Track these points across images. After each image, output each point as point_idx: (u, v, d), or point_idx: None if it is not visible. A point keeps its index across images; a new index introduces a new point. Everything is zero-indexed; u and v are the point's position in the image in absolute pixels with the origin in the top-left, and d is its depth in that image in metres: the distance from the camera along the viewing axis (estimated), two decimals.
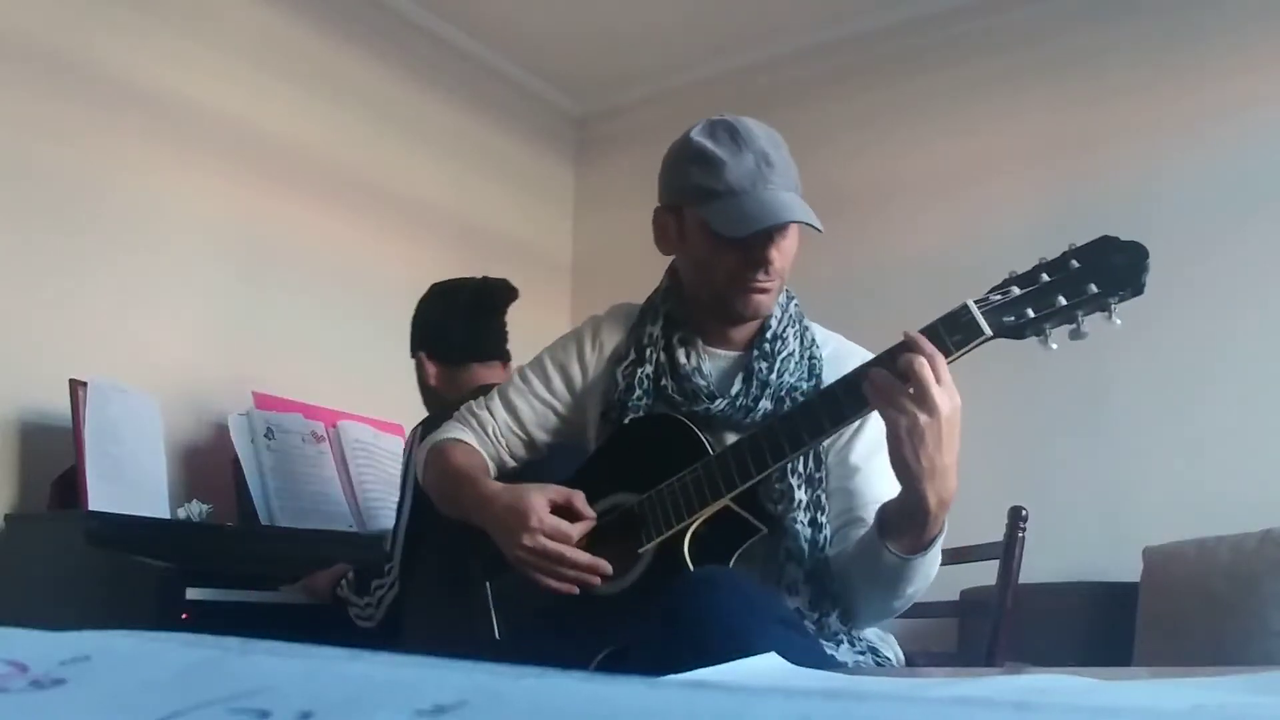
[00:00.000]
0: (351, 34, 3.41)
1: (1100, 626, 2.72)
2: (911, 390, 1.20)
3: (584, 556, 1.39)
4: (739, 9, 3.59)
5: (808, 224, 1.41)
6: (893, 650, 1.48)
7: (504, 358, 2.26)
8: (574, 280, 4.15)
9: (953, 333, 1.25)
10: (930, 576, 1.35)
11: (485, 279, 2.31)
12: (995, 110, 3.44)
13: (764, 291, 1.47)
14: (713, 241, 1.45)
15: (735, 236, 1.42)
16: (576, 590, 1.39)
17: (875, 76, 3.66)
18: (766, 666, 0.72)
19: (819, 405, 1.32)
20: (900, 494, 1.27)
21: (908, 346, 1.24)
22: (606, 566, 1.39)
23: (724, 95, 3.72)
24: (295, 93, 3.22)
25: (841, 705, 0.32)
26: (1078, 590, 2.79)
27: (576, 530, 1.40)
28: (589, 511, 1.43)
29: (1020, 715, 0.32)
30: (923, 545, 1.29)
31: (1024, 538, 1.84)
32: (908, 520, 1.27)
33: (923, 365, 1.20)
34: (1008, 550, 1.83)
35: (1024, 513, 1.84)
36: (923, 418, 1.19)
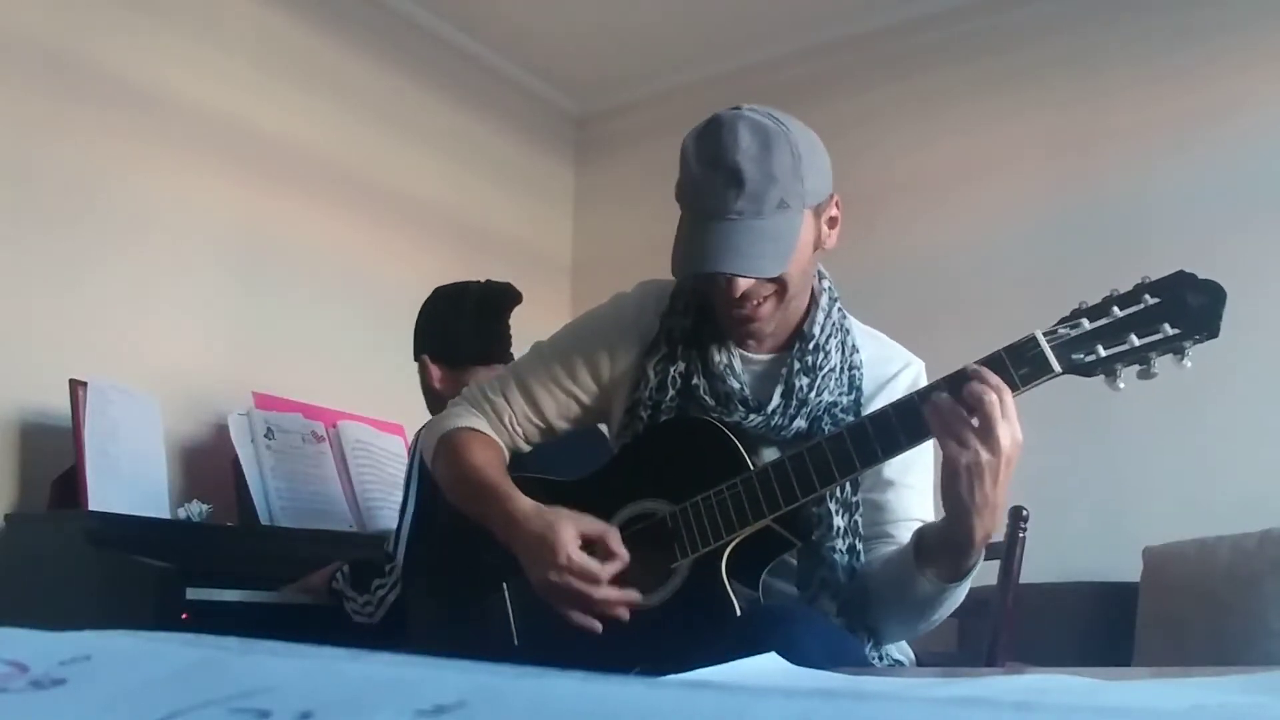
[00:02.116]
0: (351, 34, 3.41)
1: (1100, 626, 2.72)
2: (976, 423, 1.17)
3: (612, 593, 1.32)
4: (739, 9, 3.59)
5: (735, 274, 1.32)
6: (905, 654, 1.48)
7: (507, 360, 2.26)
8: (574, 280, 4.15)
9: (1019, 365, 1.19)
10: (958, 602, 1.34)
11: (489, 282, 2.31)
12: (993, 110, 3.44)
13: (748, 321, 1.39)
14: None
15: (673, 273, 1.37)
16: (599, 627, 1.33)
17: (875, 76, 3.66)
18: (766, 666, 0.72)
19: (871, 431, 1.26)
20: (944, 523, 1.25)
21: (972, 377, 1.19)
22: (636, 596, 1.33)
23: (724, 95, 3.69)
24: (295, 92, 3.22)
25: (841, 705, 0.32)
26: (1078, 590, 2.79)
27: (606, 572, 1.32)
28: (623, 551, 1.34)
29: (1020, 715, 0.32)
30: (960, 574, 1.28)
31: (1024, 538, 1.84)
32: (949, 550, 1.26)
33: (992, 400, 1.16)
34: (1008, 550, 1.83)
35: (1024, 513, 1.84)
36: (984, 454, 1.16)
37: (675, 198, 1.39)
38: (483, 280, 2.32)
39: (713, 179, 1.32)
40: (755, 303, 1.37)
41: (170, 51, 2.91)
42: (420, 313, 2.31)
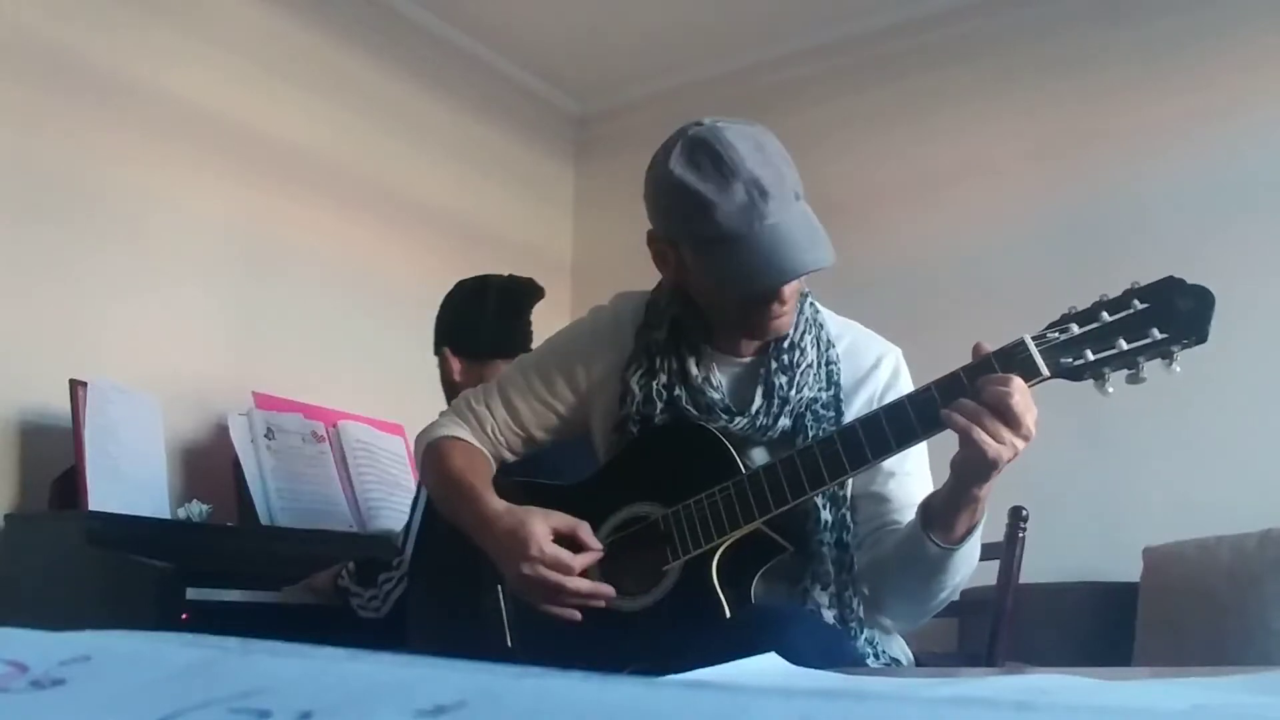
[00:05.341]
0: (352, 34, 3.41)
1: (1100, 626, 2.72)
2: (1004, 419, 1.18)
3: (584, 584, 1.34)
4: (739, 9, 3.59)
5: (819, 269, 1.32)
6: (904, 654, 1.49)
7: None
8: (574, 280, 4.14)
9: (1008, 369, 1.20)
10: (962, 575, 1.35)
11: (512, 276, 2.30)
12: (988, 112, 3.44)
13: (781, 317, 1.40)
14: (720, 286, 1.38)
15: (744, 296, 1.37)
16: (579, 617, 1.35)
17: (874, 76, 3.66)
18: (766, 666, 0.72)
19: (862, 434, 1.28)
20: (953, 488, 1.26)
21: (979, 380, 1.20)
22: (609, 590, 1.35)
23: (724, 95, 3.72)
24: (295, 92, 3.22)
25: (841, 705, 0.32)
26: (1078, 590, 2.79)
27: (579, 563, 1.35)
28: (594, 543, 1.37)
29: (1020, 715, 0.32)
30: (965, 534, 1.29)
31: (1024, 538, 1.84)
32: (957, 510, 1.27)
33: (1015, 399, 1.17)
34: (1008, 550, 1.83)
35: (1024, 513, 1.84)
36: (1019, 443, 1.19)
37: (677, 235, 1.38)
38: (506, 274, 2.31)
39: (735, 191, 1.30)
40: (790, 302, 1.39)
41: (172, 50, 2.91)
42: (442, 306, 2.29)
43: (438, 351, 2.26)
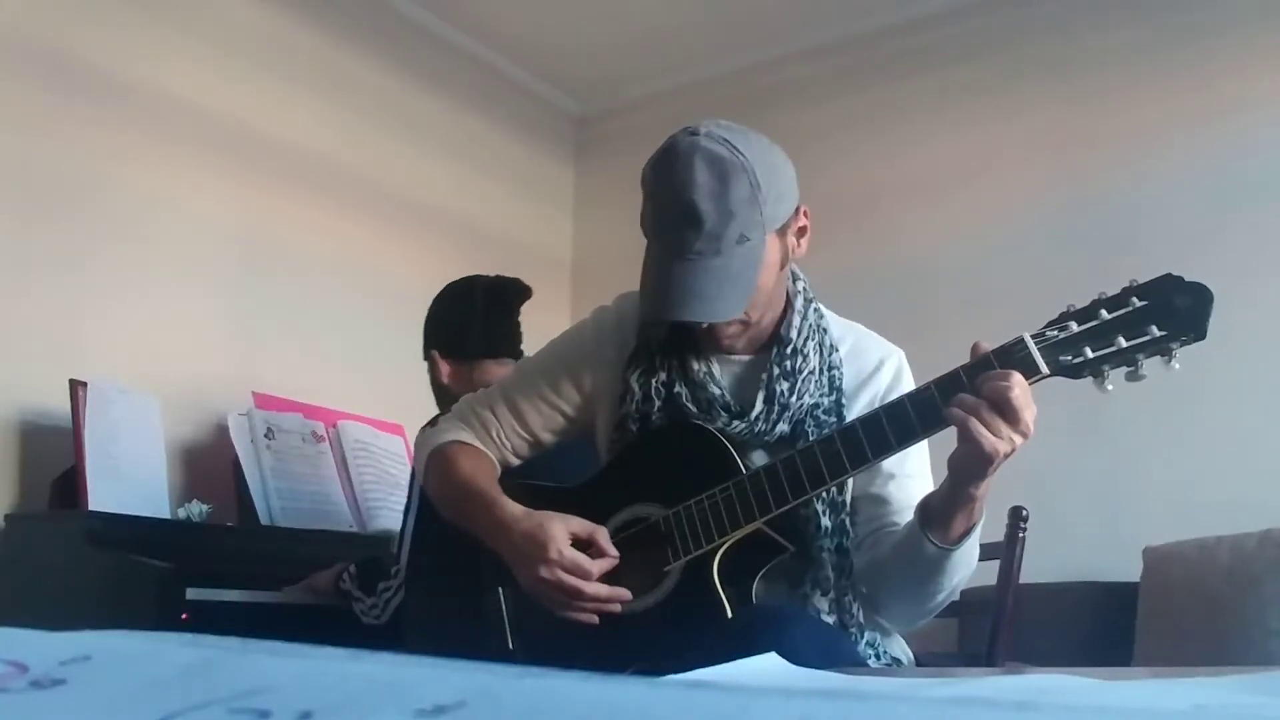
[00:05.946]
0: (353, 33, 3.41)
1: (1100, 626, 2.72)
2: (1004, 415, 1.18)
3: (603, 589, 1.34)
4: (739, 9, 3.59)
5: (695, 321, 1.36)
6: (905, 654, 1.49)
7: (517, 356, 2.24)
8: (574, 280, 4.15)
9: (1007, 367, 1.20)
10: (960, 575, 1.35)
11: (499, 277, 2.29)
12: (991, 111, 3.44)
13: (724, 337, 1.42)
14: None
15: (640, 316, 1.41)
16: (596, 621, 1.34)
17: (875, 76, 3.67)
18: (766, 666, 0.72)
19: (862, 433, 1.28)
20: (951, 488, 1.27)
21: (979, 378, 1.20)
22: (626, 594, 1.35)
23: (724, 95, 3.72)
24: (296, 92, 3.22)
25: (841, 705, 0.32)
26: (1078, 590, 2.79)
27: (597, 568, 1.34)
28: (612, 550, 1.36)
29: (1021, 715, 0.32)
30: (964, 533, 1.29)
31: (1024, 538, 1.84)
32: (955, 509, 1.27)
33: (1015, 394, 1.17)
34: (1008, 550, 1.83)
35: (1024, 513, 1.84)
36: (1017, 439, 1.19)
37: (639, 224, 1.41)
38: (493, 275, 2.30)
39: (670, 217, 1.33)
40: (721, 331, 1.41)
41: (172, 50, 2.91)
42: (429, 309, 2.29)
43: (426, 355, 2.26)
